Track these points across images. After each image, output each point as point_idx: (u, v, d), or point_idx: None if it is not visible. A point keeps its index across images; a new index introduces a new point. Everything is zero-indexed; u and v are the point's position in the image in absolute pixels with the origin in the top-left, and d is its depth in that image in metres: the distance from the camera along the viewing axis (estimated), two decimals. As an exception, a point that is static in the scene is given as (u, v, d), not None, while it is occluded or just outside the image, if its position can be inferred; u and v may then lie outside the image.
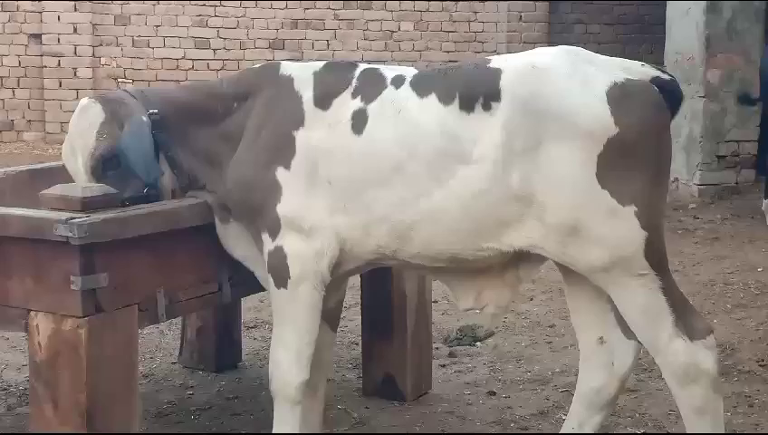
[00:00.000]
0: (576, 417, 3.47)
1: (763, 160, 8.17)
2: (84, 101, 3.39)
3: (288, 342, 3.32)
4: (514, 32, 11.86)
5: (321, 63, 3.41)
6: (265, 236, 3.29)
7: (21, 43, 11.35)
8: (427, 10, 11.97)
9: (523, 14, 11.86)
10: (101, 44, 11.48)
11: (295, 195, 3.23)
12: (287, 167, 3.25)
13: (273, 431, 3.40)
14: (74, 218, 2.98)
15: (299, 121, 3.27)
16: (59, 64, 11.34)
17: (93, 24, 11.36)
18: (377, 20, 11.84)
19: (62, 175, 3.59)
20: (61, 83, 11.35)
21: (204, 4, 11.69)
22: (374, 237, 3.22)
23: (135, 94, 3.42)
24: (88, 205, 3.07)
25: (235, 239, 3.45)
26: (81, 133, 3.32)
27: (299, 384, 3.33)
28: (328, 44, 11.75)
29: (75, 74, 11.35)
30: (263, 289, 3.64)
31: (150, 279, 3.24)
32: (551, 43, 11.30)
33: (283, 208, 3.24)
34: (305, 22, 11.77)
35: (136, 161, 3.23)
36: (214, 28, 11.71)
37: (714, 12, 8.96)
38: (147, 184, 3.28)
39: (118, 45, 11.52)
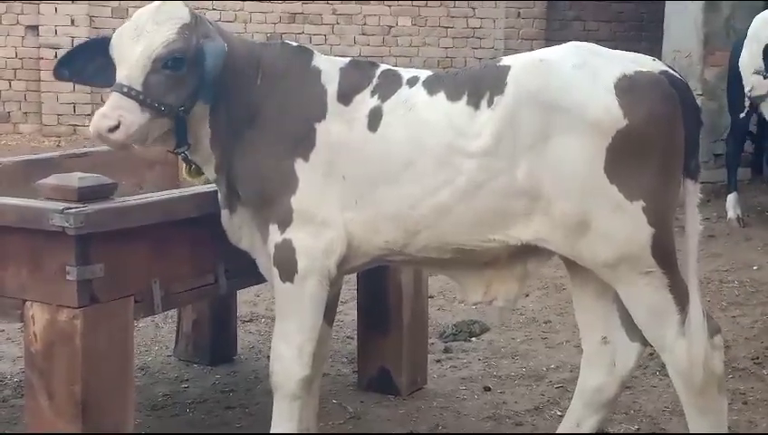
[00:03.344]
0: (575, 414, 3.47)
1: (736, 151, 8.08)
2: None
3: (291, 337, 3.30)
4: (512, 28, 11.84)
5: (347, 60, 3.39)
6: (273, 228, 3.26)
7: (18, 35, 11.31)
8: (425, 5, 11.93)
9: (521, 10, 11.83)
10: (98, 37, 11.45)
11: (311, 188, 3.22)
12: (306, 159, 3.23)
13: (272, 425, 3.39)
14: (70, 208, 2.97)
15: (321, 114, 3.25)
16: (56, 56, 11.25)
17: (90, 17, 11.31)
18: (374, 15, 11.81)
19: (57, 166, 3.58)
20: (57, 75, 11.31)
21: (202, -2, 11.67)
22: (383, 233, 3.22)
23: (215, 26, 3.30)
24: (84, 195, 3.06)
25: (240, 229, 3.40)
26: (159, 22, 3.16)
27: (300, 380, 3.32)
28: (325, 39, 11.72)
29: (72, 67, 11.30)
30: (258, 282, 3.63)
31: (146, 270, 3.23)
32: (548, 40, 11.29)
33: (297, 201, 3.22)
34: (303, 16, 11.73)
35: (210, 72, 3.12)
36: (211, 22, 11.68)
37: (712, 9, 8.94)
38: (184, 105, 3.15)
39: (115, 38, 11.48)
